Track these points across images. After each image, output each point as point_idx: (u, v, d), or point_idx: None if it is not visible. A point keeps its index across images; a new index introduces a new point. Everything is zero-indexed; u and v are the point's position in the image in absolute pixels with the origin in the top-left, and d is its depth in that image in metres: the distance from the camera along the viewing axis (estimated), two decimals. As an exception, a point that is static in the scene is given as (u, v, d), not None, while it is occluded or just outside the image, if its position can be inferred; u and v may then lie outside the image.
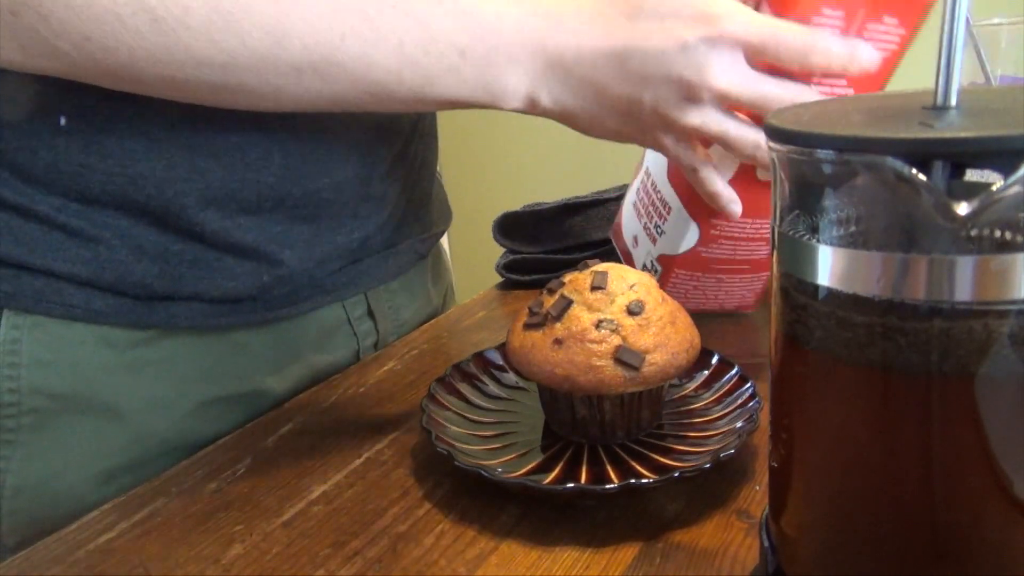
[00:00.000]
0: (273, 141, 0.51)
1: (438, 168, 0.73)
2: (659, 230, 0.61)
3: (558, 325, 0.43)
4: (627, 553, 0.38)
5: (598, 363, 0.42)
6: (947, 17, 0.24)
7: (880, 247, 0.24)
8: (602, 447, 0.44)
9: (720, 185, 0.50)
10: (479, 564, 0.38)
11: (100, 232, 0.49)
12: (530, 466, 0.43)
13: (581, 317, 0.43)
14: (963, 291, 0.23)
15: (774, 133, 0.26)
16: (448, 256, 0.81)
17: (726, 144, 0.47)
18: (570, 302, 0.43)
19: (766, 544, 0.32)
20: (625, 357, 0.41)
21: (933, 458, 0.25)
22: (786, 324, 0.28)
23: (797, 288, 0.27)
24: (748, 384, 0.47)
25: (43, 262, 0.48)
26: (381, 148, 0.58)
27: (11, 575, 0.40)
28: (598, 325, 0.42)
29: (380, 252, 0.62)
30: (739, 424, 0.44)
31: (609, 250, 0.72)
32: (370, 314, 0.63)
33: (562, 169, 1.91)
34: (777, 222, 0.28)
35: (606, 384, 0.42)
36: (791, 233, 0.27)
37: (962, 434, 0.24)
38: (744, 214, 0.54)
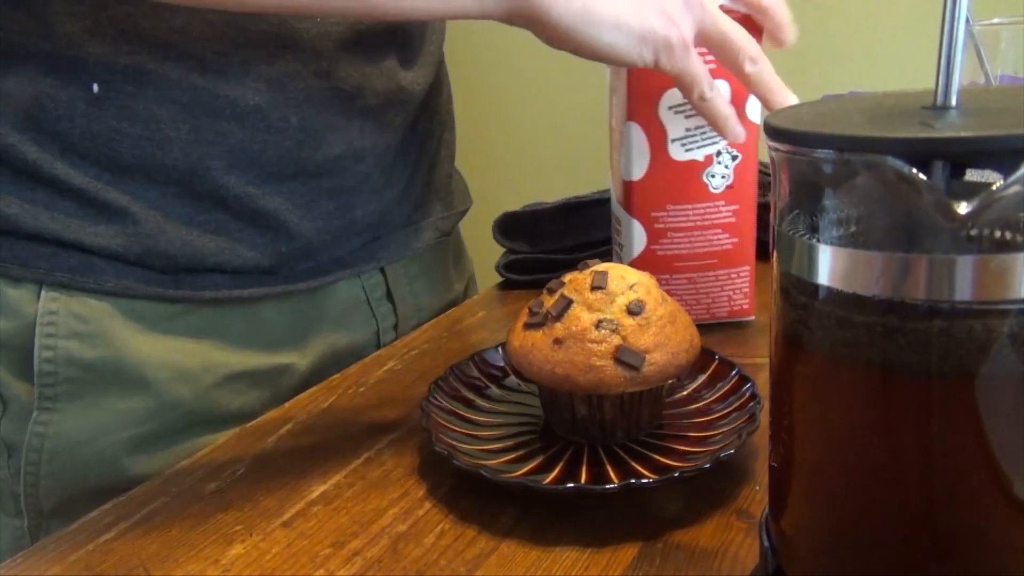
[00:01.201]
0: (290, 105, 0.54)
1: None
2: (621, 248, 0.62)
3: (558, 325, 0.43)
4: (627, 553, 0.38)
5: (598, 363, 0.42)
6: (947, 17, 0.24)
7: (880, 247, 0.24)
8: (602, 447, 0.44)
9: (728, 107, 0.51)
10: (479, 564, 0.38)
11: (128, 205, 0.52)
12: (530, 466, 0.43)
13: (581, 317, 0.43)
14: (963, 291, 0.23)
15: (774, 133, 0.26)
16: (467, 247, 0.82)
17: (724, 46, 0.49)
18: (570, 302, 0.43)
19: (766, 544, 0.32)
20: (625, 357, 0.41)
21: (933, 458, 0.25)
22: (786, 324, 0.28)
23: (797, 288, 0.27)
24: (748, 384, 0.47)
25: (76, 237, 0.51)
26: (394, 118, 0.60)
27: (11, 575, 0.40)
28: (598, 325, 0.42)
29: (401, 228, 0.65)
30: (739, 424, 0.44)
31: (609, 250, 0.72)
32: (389, 296, 0.65)
33: (562, 169, 1.91)
34: (777, 222, 0.28)
35: (606, 384, 0.42)
36: (791, 233, 0.27)
37: (962, 434, 0.24)
38: (672, 198, 0.58)
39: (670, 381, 0.45)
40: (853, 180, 0.25)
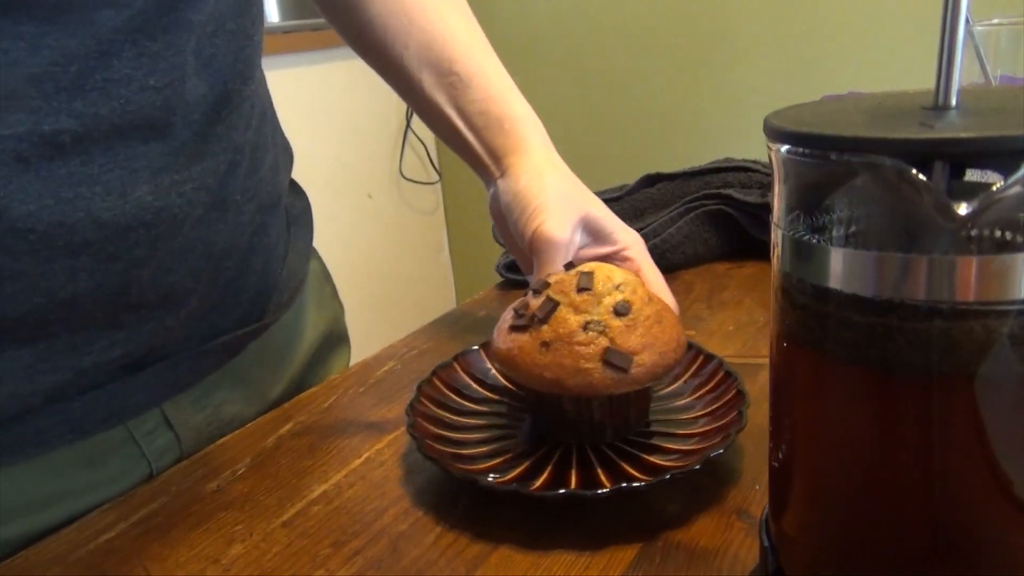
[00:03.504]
0: None
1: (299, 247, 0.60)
2: None
3: (545, 328, 0.42)
4: (627, 553, 0.38)
5: (586, 365, 0.41)
6: (947, 17, 0.24)
7: (880, 247, 0.24)
8: (591, 447, 0.44)
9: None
10: (479, 564, 0.38)
11: None
12: (519, 469, 0.42)
13: (568, 319, 0.42)
14: (963, 291, 0.23)
15: (774, 133, 0.26)
16: (332, 300, 0.69)
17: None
18: (556, 304, 0.43)
19: (766, 544, 0.32)
20: (613, 359, 0.41)
21: (933, 458, 0.25)
22: (786, 324, 0.28)
23: (797, 288, 0.27)
24: (733, 379, 0.47)
25: None
26: (133, 247, 0.42)
27: (11, 575, 0.40)
28: (585, 327, 0.42)
29: (171, 362, 0.49)
30: (727, 421, 0.43)
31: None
32: (168, 424, 0.50)
33: (562, 169, 1.91)
34: (777, 222, 0.28)
35: (595, 387, 0.41)
36: (791, 233, 0.27)
37: (962, 434, 0.24)
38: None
39: (658, 382, 0.45)
40: (853, 180, 0.25)
